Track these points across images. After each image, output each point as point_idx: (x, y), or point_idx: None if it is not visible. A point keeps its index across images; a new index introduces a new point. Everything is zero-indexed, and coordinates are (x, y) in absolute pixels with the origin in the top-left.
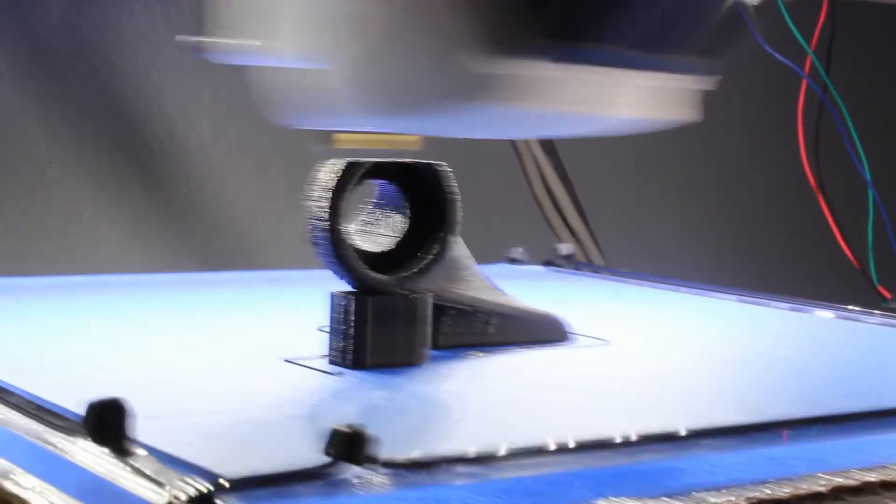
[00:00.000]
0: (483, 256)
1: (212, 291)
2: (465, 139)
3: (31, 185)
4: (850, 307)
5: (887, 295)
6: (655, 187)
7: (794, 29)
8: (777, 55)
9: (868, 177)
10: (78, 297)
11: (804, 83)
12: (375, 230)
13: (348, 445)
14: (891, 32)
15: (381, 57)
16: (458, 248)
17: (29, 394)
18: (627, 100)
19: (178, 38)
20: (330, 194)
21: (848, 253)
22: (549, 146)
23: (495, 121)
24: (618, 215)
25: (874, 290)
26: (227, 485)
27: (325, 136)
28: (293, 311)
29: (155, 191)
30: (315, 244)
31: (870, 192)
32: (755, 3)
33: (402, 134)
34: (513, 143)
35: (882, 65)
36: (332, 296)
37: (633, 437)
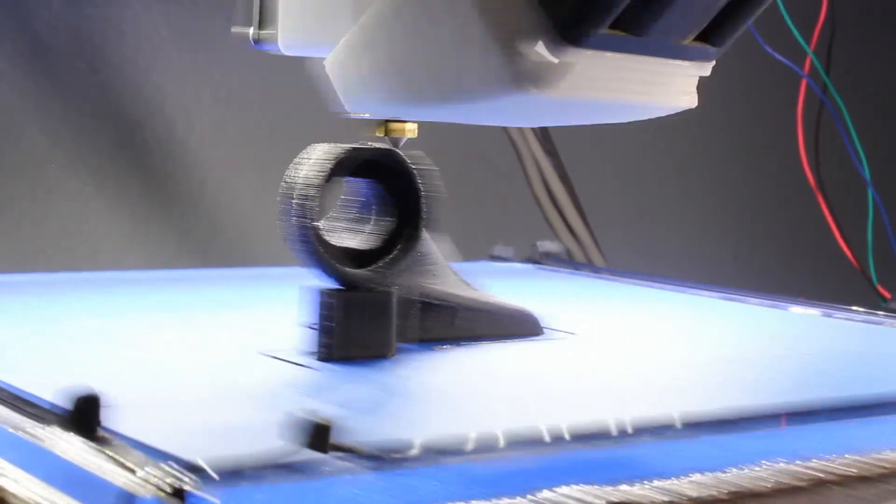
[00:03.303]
0: (476, 254)
1: (208, 288)
2: (461, 136)
3: (31, 185)
4: (854, 307)
5: (887, 295)
6: (655, 187)
7: (793, 29)
8: (777, 55)
9: (868, 177)
10: (75, 294)
11: (804, 83)
12: (347, 226)
13: (314, 434)
14: (891, 32)
15: (390, 43)
16: (431, 244)
17: (7, 384)
18: (667, 88)
19: (233, 29)
20: (301, 191)
21: (848, 253)
22: (549, 146)
23: (534, 110)
24: (618, 215)
25: (874, 290)
26: (193, 468)
27: (385, 126)
28: (279, 307)
29: (155, 190)
30: (287, 239)
31: (870, 192)
32: None
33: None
34: (513, 143)
35: (882, 65)
36: (305, 290)
37: (593, 427)
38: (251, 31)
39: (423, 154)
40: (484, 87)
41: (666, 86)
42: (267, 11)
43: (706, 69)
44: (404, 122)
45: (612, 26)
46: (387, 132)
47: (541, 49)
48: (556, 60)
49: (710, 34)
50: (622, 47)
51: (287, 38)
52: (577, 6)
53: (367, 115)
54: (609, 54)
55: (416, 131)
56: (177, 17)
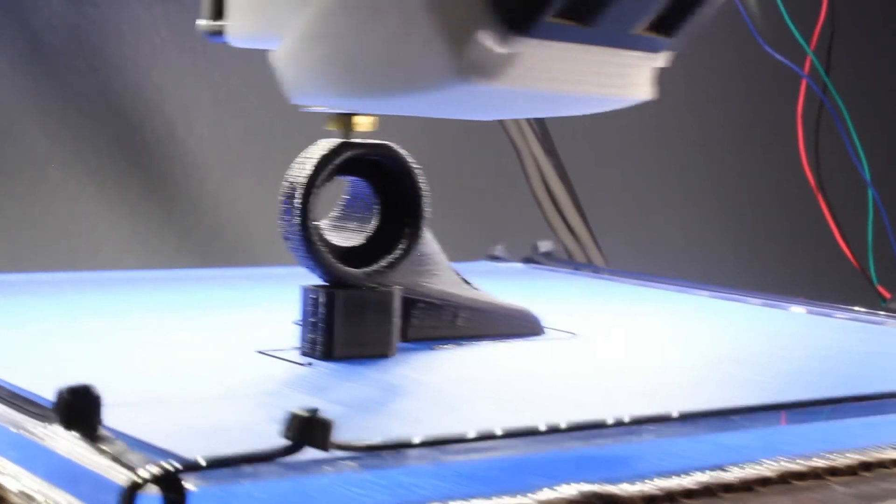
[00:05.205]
0: (475, 254)
1: (208, 288)
2: (461, 135)
3: (31, 184)
4: (855, 307)
5: (887, 295)
6: (655, 187)
7: (793, 29)
8: (777, 55)
9: (868, 177)
10: (75, 294)
11: (804, 83)
12: (347, 225)
13: (307, 429)
14: (891, 32)
15: (333, 35)
16: (429, 243)
17: (7, 383)
18: (621, 79)
19: (197, 22)
20: (301, 190)
21: (848, 253)
22: (549, 146)
23: (473, 102)
24: (618, 215)
25: (874, 290)
26: (192, 466)
27: (340, 119)
28: (277, 306)
29: (155, 190)
30: (287, 239)
31: (870, 192)
32: None
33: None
34: (513, 143)
35: (882, 65)
36: (303, 289)
37: (589, 424)
38: (204, 22)
39: (406, 152)
40: (430, 78)
41: (619, 77)
42: (220, 2)
43: (661, 60)
44: (361, 115)
45: (561, 15)
46: (342, 126)
47: (486, 39)
48: (502, 50)
49: (664, 25)
50: (571, 37)
51: (236, 29)
52: None
53: (321, 109)
54: (558, 44)
55: (375, 125)
56: (177, 17)
